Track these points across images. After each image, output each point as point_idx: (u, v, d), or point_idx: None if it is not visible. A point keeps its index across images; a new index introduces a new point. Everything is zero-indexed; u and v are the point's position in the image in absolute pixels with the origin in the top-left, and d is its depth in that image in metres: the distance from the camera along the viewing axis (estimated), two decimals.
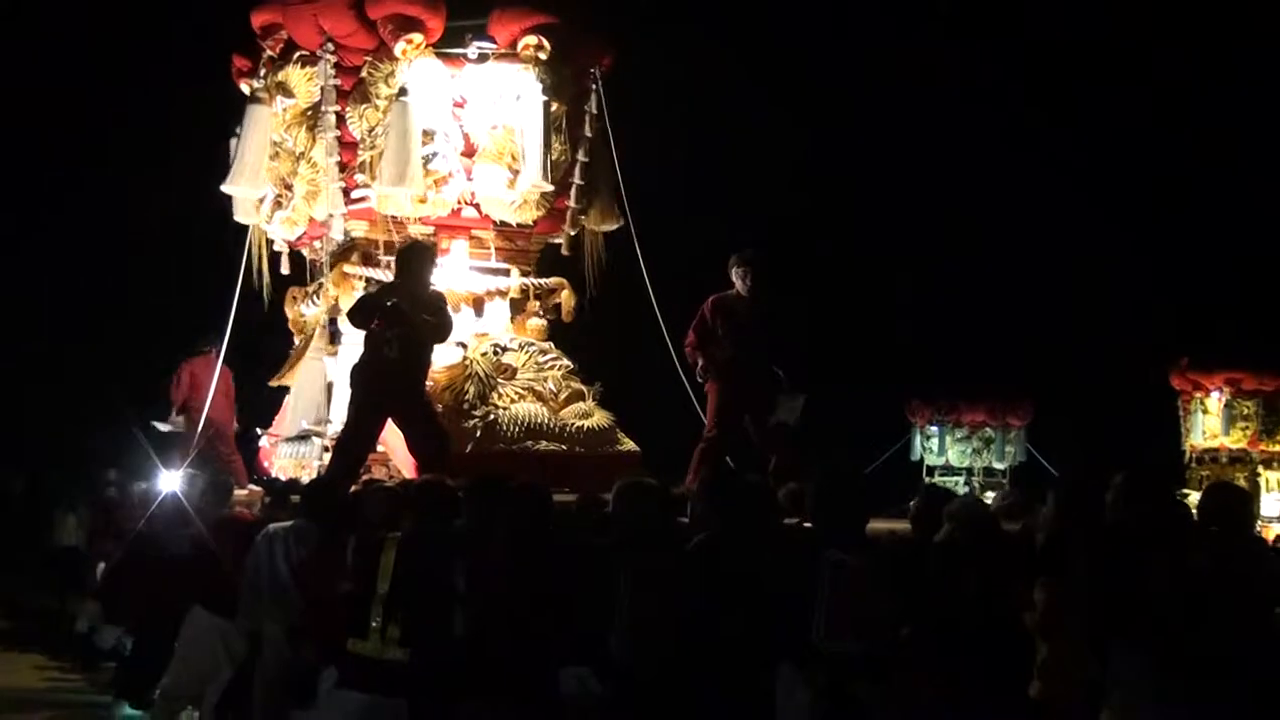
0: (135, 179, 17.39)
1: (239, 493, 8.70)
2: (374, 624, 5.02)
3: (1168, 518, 5.01)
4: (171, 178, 14.07)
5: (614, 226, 9.73)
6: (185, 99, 14.47)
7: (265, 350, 10.59)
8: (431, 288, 8.16)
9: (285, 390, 10.07)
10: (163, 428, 11.29)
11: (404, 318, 7.74)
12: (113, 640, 9.39)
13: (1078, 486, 5.23)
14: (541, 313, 9.60)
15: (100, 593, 9.57)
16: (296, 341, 9.98)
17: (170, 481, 8.89)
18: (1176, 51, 19.16)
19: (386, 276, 9.00)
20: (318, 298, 9.70)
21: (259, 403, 11.30)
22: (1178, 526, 5.01)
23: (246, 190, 9.48)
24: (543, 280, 9.68)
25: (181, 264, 15.65)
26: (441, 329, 7.93)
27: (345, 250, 9.44)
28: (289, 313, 9.99)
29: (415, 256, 8.07)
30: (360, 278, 9.26)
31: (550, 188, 9.11)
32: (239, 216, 9.84)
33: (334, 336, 9.77)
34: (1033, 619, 4.96)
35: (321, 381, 9.58)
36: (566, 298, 9.62)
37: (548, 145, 9.02)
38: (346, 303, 9.35)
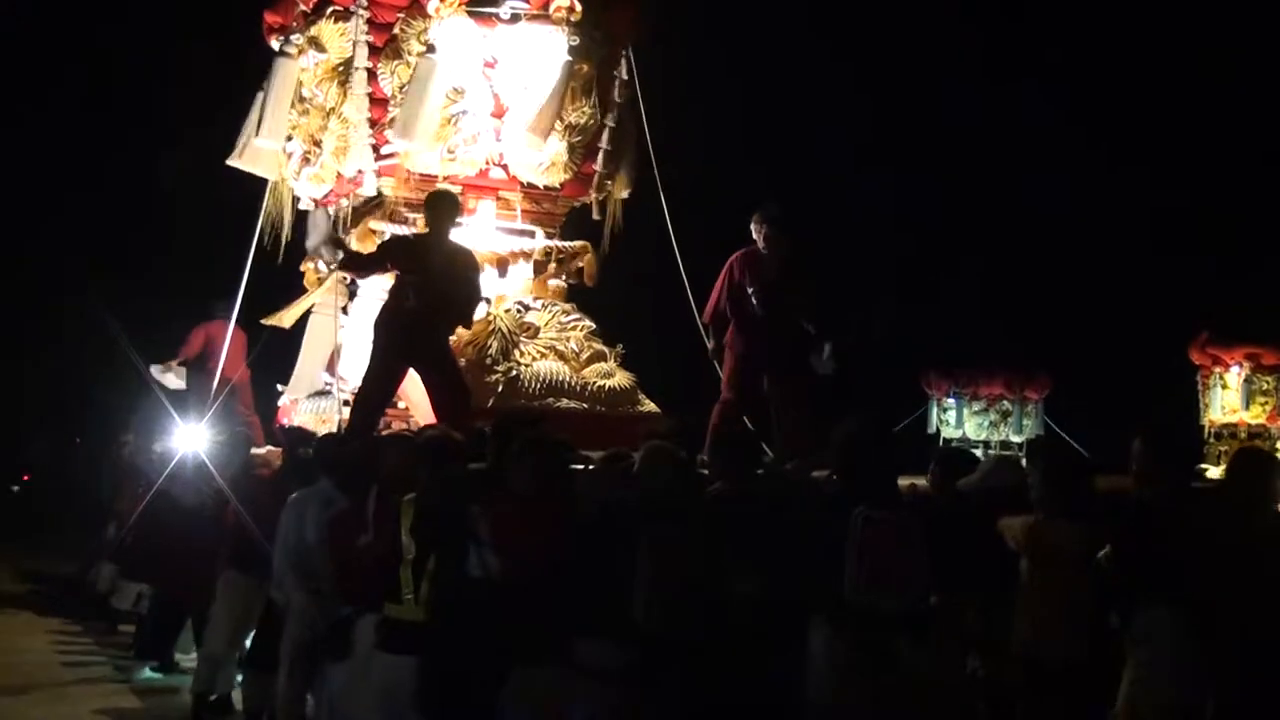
0: (153, 134, 17.45)
1: (257, 451, 8.70)
2: (407, 590, 5.08)
3: (1187, 482, 5.02)
4: (191, 132, 14.11)
5: (627, 193, 9.71)
6: (207, 56, 14.52)
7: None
8: (462, 247, 8.08)
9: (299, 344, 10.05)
10: (156, 371, 11.06)
11: (425, 267, 7.68)
12: (131, 599, 9.31)
13: (1059, 473, 5.06)
14: (563, 276, 9.58)
15: (119, 549, 9.46)
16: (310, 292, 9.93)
17: (187, 437, 8.90)
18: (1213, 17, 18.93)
19: (411, 232, 9.02)
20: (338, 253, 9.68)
21: (273, 357, 11.24)
22: (1197, 488, 5.02)
23: (271, 142, 9.45)
24: (567, 244, 9.67)
25: (199, 221, 15.67)
26: (471, 299, 7.95)
27: (370, 206, 9.45)
28: (304, 269, 9.90)
29: (439, 204, 8.00)
30: (385, 234, 9.25)
31: (541, 142, 9.02)
32: (259, 170, 9.75)
33: (353, 294, 9.78)
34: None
35: (332, 339, 9.52)
36: (589, 261, 9.61)
37: (559, 102, 8.97)
38: None
